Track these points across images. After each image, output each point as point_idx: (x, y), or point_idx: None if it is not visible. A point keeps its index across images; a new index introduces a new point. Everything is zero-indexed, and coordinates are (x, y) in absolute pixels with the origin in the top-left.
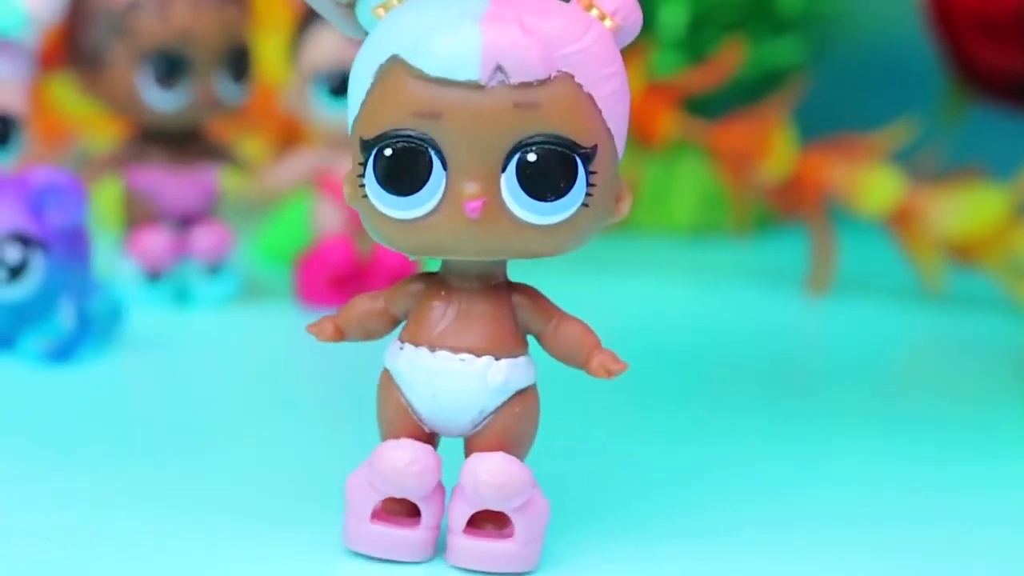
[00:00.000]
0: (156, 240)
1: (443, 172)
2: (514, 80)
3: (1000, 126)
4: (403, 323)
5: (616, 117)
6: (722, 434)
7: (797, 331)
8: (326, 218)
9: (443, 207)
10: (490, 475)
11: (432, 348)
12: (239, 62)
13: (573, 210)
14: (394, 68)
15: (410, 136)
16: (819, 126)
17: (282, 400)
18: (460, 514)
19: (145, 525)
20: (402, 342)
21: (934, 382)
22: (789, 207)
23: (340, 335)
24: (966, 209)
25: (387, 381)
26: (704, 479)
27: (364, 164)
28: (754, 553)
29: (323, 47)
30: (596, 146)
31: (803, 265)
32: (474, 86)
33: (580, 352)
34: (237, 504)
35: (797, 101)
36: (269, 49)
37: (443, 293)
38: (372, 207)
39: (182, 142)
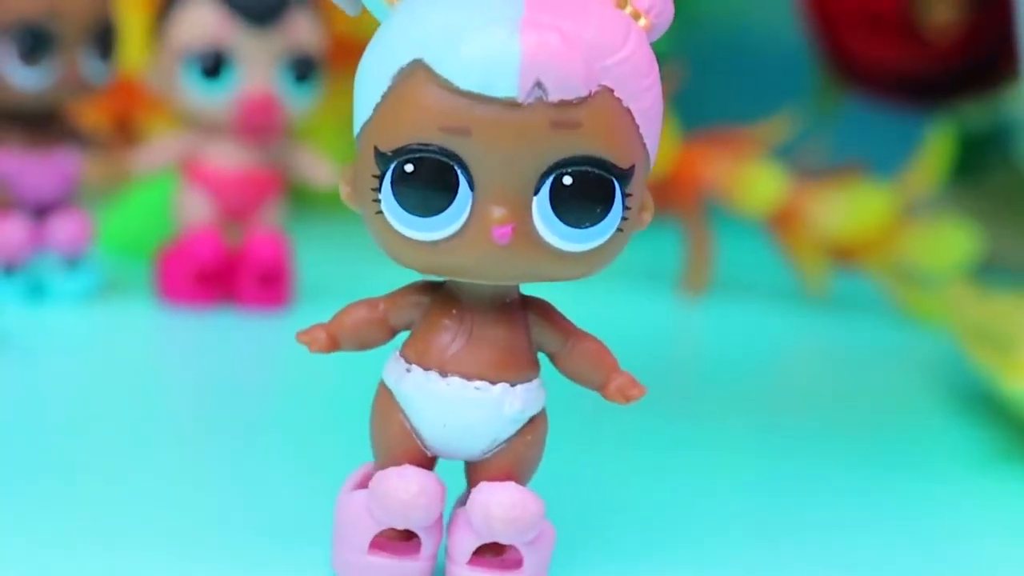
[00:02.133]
0: (11, 230)
1: (470, 193)
2: (553, 98)
3: (878, 120)
4: (404, 334)
5: (653, 131)
6: (593, 444)
7: (670, 334)
8: (192, 209)
9: (468, 230)
10: (503, 509)
11: (443, 373)
12: (106, 39)
13: (608, 236)
14: (418, 74)
15: (435, 153)
16: (691, 118)
17: (153, 408)
18: (465, 545)
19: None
20: (408, 363)
21: (814, 388)
22: (664, 203)
23: (334, 344)
24: (849, 209)
25: (388, 402)
26: (571, 490)
27: (380, 177)
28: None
29: (195, 24)
30: (634, 166)
31: (677, 265)
32: (510, 103)
33: (598, 374)
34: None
35: (673, 91)
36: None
37: (454, 312)
38: (385, 224)
39: (41, 124)
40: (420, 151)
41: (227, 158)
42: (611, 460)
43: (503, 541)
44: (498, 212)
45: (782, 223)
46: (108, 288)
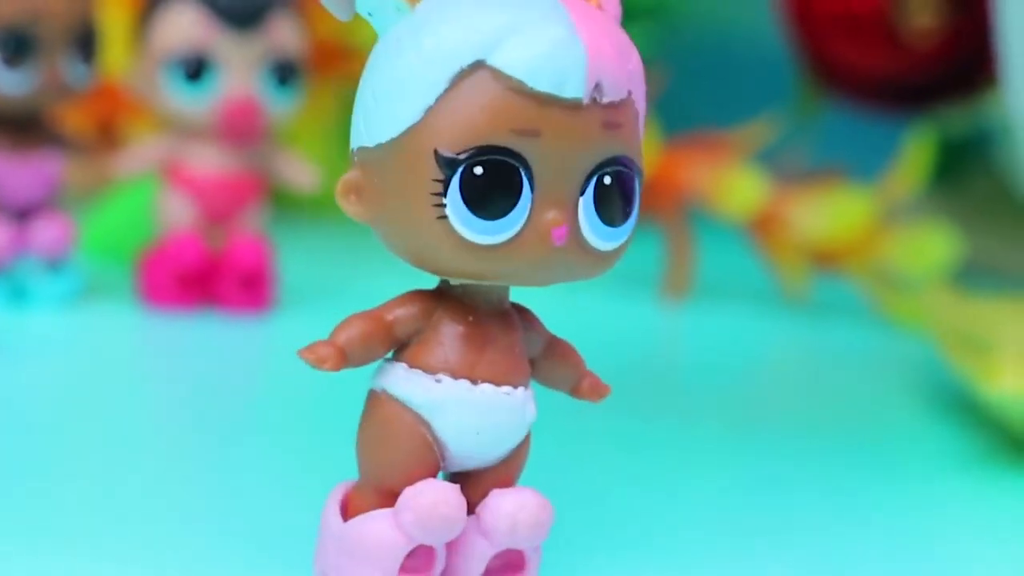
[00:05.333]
0: None
1: (530, 195)
2: (605, 99)
3: (859, 125)
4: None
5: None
6: (575, 447)
7: (652, 339)
8: (175, 213)
9: (525, 233)
10: (528, 514)
11: (474, 381)
12: (88, 43)
13: (630, 234)
14: (481, 75)
15: (504, 155)
16: (672, 123)
17: (135, 411)
18: (481, 556)
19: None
20: (434, 373)
21: (794, 391)
22: (646, 208)
23: (344, 361)
24: (830, 214)
25: (401, 416)
26: (553, 492)
27: (444, 181)
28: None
29: (177, 28)
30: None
31: (658, 269)
32: (574, 104)
33: (573, 375)
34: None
35: (655, 95)
36: (113, 28)
37: (471, 319)
38: (446, 229)
39: (23, 127)
40: (490, 153)
41: (209, 162)
42: (593, 463)
43: (522, 545)
44: (553, 214)
45: (763, 227)
46: (90, 291)
